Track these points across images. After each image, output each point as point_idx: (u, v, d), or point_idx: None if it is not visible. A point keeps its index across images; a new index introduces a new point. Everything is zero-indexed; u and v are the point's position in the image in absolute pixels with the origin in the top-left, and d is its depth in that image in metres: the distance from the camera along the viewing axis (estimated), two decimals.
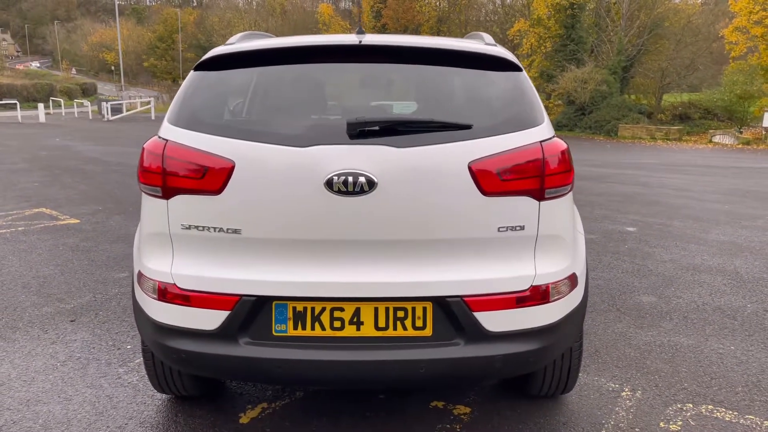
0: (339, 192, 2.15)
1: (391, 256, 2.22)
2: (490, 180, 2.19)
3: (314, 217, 2.20)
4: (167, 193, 2.30)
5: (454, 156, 2.20)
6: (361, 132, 2.17)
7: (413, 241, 2.22)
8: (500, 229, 2.24)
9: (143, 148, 2.40)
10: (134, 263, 2.62)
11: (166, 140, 2.33)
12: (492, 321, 2.23)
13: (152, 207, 2.36)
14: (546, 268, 2.31)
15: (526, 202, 2.24)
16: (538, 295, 2.28)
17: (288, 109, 2.39)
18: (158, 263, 2.37)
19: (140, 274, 2.46)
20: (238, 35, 2.81)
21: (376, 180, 2.14)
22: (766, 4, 26.25)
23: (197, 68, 2.50)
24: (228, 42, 2.69)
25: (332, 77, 2.46)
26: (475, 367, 2.26)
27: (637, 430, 2.77)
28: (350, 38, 2.41)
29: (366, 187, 2.14)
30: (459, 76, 2.44)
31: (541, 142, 2.28)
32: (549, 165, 2.24)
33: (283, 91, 2.44)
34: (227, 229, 2.24)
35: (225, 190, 2.21)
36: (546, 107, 3.71)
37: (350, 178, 2.14)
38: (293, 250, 2.24)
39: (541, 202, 2.26)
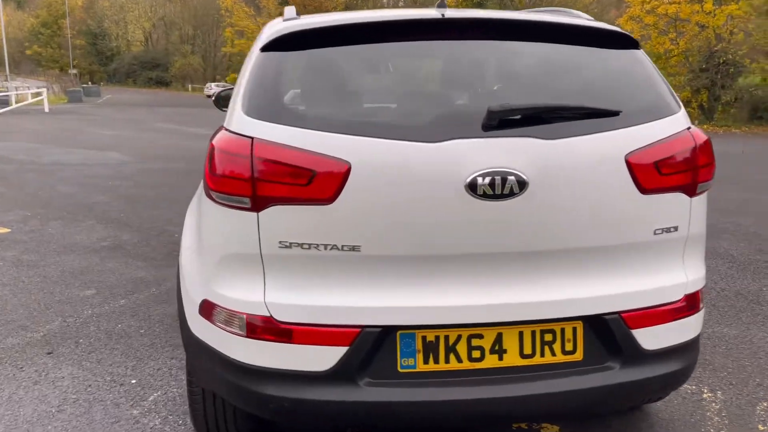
0: (484, 196, 1.77)
1: (538, 270, 1.88)
2: (649, 174, 1.89)
3: (452, 227, 1.81)
4: (259, 204, 1.83)
5: (610, 148, 1.88)
6: (501, 122, 1.80)
7: (564, 251, 1.88)
8: (656, 232, 1.94)
9: (214, 147, 1.92)
10: (187, 286, 2.13)
11: (252, 137, 1.85)
12: (649, 338, 1.94)
13: (232, 221, 1.89)
14: (693, 274, 2.04)
15: (680, 200, 1.96)
16: (689, 304, 2.02)
17: (401, 95, 1.97)
18: (243, 291, 1.89)
19: (209, 304, 1.98)
20: (291, 9, 2.33)
21: (526, 179, 1.79)
22: None
23: (268, 48, 2.03)
24: (286, 18, 2.23)
25: (440, 57, 2.06)
26: (633, 393, 1.97)
27: None
28: (451, 12, 2.03)
29: (516, 189, 1.78)
30: (579, 55, 2.10)
31: (689, 129, 2.00)
32: (700, 156, 1.97)
33: (387, 74, 2.02)
34: (343, 246, 1.81)
35: (339, 197, 1.78)
36: None
37: (498, 179, 1.77)
38: (424, 269, 1.84)
39: (693, 199, 1.98)
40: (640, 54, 2.13)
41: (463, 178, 1.77)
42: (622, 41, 2.12)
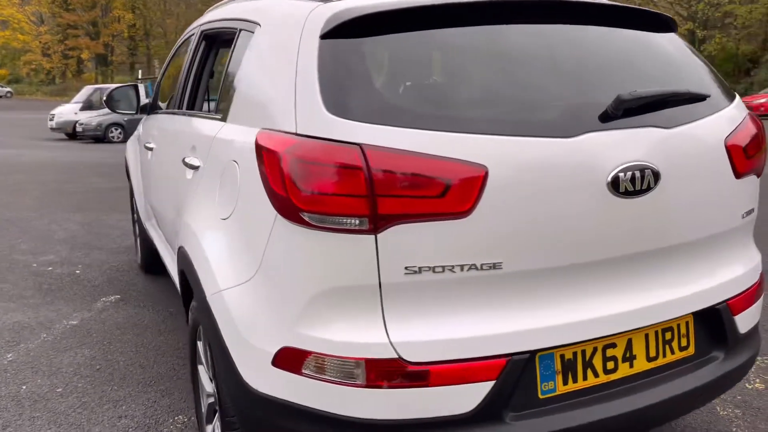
0: (625, 193, 1.62)
1: (662, 268, 1.77)
2: (741, 158, 1.88)
3: (594, 230, 1.63)
4: (378, 225, 1.48)
5: (712, 133, 1.83)
6: (626, 111, 1.66)
7: (684, 244, 1.79)
8: (743, 216, 1.95)
9: (291, 157, 1.53)
10: (242, 334, 1.71)
11: (359, 144, 1.50)
12: (744, 322, 1.95)
13: (338, 247, 1.52)
14: (758, 253, 2.10)
15: (754, 182, 1.98)
16: (762, 282, 2.06)
17: (514, 86, 1.71)
18: (356, 331, 1.54)
19: (295, 353, 1.59)
20: None
21: (660, 171, 1.67)
22: None
23: (333, 34, 1.66)
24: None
25: (543, 42, 1.82)
26: (732, 381, 1.95)
27: None
28: None
29: (652, 183, 1.65)
30: (656, 41, 2.01)
31: (749, 114, 2.03)
32: (764, 138, 2.01)
33: (491, 61, 1.75)
34: (482, 265, 1.53)
35: (476, 208, 1.51)
36: None
37: (637, 173, 1.62)
38: (560, 281, 1.63)
39: (759, 180, 2.02)
40: (680, 38, 2.12)
41: (604, 175, 1.60)
42: (671, 24, 2.08)
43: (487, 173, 1.50)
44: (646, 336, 1.75)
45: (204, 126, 2.32)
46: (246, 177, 1.78)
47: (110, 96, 3.77)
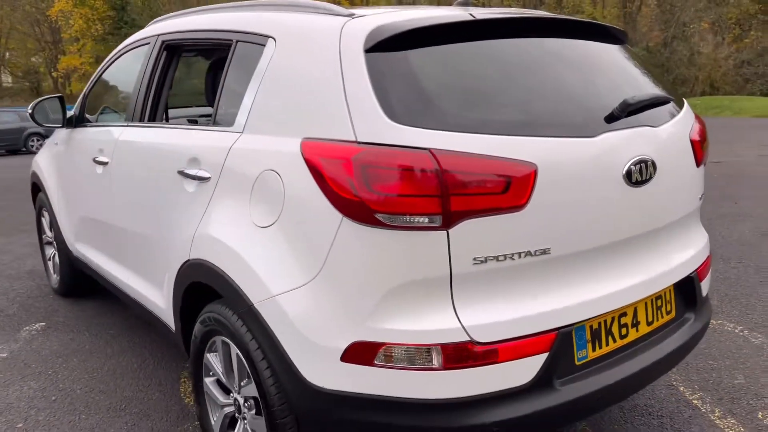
0: (635, 182, 1.91)
1: (657, 245, 2.09)
2: (699, 150, 2.25)
3: (616, 215, 1.91)
4: (450, 221, 1.64)
5: (682, 130, 2.19)
6: (629, 113, 1.95)
7: (671, 224, 2.13)
8: (699, 198, 2.33)
9: (362, 164, 1.65)
10: (304, 334, 1.78)
11: (428, 149, 1.64)
12: (704, 287, 2.34)
13: (411, 243, 1.65)
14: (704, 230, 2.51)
15: (702, 171, 2.38)
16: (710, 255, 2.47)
17: (540, 93, 1.93)
18: (430, 320, 1.68)
19: (367, 346, 1.70)
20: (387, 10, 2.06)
21: (657, 163, 1.98)
22: None
23: (381, 47, 1.80)
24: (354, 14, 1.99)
25: (553, 55, 2.04)
26: (699, 338, 2.32)
27: None
28: (478, 11, 2.10)
29: (653, 173, 1.96)
30: (622, 52, 2.34)
31: (695, 113, 2.43)
32: (707, 135, 2.42)
33: (512, 71, 1.95)
34: (535, 251, 1.74)
35: (530, 202, 1.72)
36: None
37: (642, 165, 1.92)
38: (593, 262, 1.89)
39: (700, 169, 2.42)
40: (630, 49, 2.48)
41: (620, 168, 1.88)
42: (625, 38, 2.43)
43: (537, 170, 1.71)
44: (646, 305, 2.06)
45: (208, 137, 2.31)
46: (293, 185, 1.85)
47: (36, 108, 3.53)
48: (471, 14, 1.99)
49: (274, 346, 1.87)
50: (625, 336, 2.00)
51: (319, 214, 1.76)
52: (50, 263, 4.48)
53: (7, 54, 55.39)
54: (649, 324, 2.08)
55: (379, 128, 1.70)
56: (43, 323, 3.97)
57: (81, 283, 4.24)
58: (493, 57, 1.97)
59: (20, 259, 5.53)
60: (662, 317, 2.14)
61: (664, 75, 35.83)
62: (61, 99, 3.62)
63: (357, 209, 1.67)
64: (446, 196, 1.63)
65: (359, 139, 1.72)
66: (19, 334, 3.80)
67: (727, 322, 3.66)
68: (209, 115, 3.76)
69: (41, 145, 20.23)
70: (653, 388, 2.94)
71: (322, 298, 1.77)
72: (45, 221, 4.40)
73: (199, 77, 3.87)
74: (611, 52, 2.27)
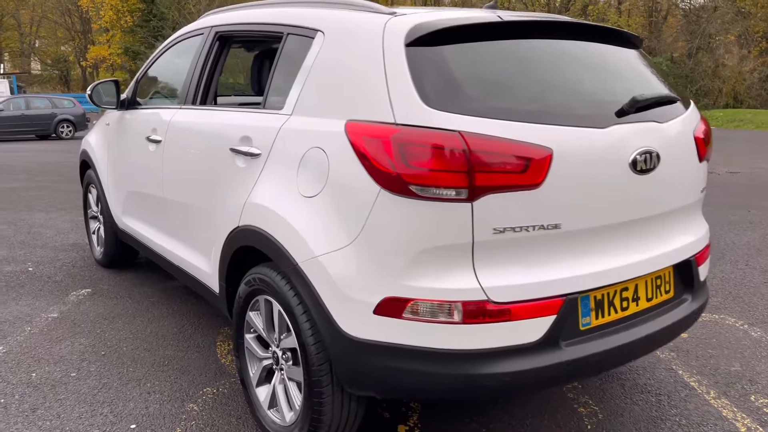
0: (640, 171, 2.16)
1: (658, 229, 2.33)
2: (702, 147, 2.49)
3: (619, 199, 2.15)
4: (474, 194, 1.90)
5: (686, 127, 2.42)
6: (638, 109, 2.20)
7: (672, 211, 2.37)
8: (701, 191, 2.56)
9: (402, 142, 1.91)
10: (342, 290, 2.04)
11: (458, 131, 1.91)
12: (702, 272, 2.57)
13: (440, 213, 1.91)
14: (705, 221, 2.74)
15: (705, 166, 2.61)
16: (710, 244, 2.70)
17: (559, 88, 2.19)
18: (454, 280, 1.94)
19: (397, 301, 1.96)
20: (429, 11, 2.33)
21: (660, 155, 2.22)
22: None
23: (419, 42, 2.06)
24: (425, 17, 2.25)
25: (570, 54, 2.31)
26: (696, 318, 2.55)
27: None
28: (506, 14, 2.34)
29: (656, 163, 2.20)
30: (636, 55, 2.59)
31: (701, 114, 2.66)
32: (711, 133, 2.65)
33: (533, 68, 2.21)
34: (547, 225, 2.00)
35: (545, 182, 1.97)
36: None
37: (647, 156, 2.16)
38: (596, 238, 2.14)
39: (702, 164, 2.65)
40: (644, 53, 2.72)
41: (627, 157, 2.12)
42: (639, 42, 2.68)
43: (553, 154, 1.96)
44: (646, 282, 2.30)
45: (259, 119, 2.59)
46: (336, 160, 2.12)
47: (94, 90, 3.85)
48: (499, 16, 2.25)
49: (315, 301, 2.14)
50: (626, 309, 2.25)
51: (359, 186, 2.03)
52: (94, 237, 4.80)
53: (38, 42, 56.50)
54: (648, 300, 2.32)
55: (416, 112, 1.96)
56: (89, 289, 4.28)
57: (123, 255, 4.56)
58: (516, 54, 2.23)
59: (63, 233, 5.87)
60: (661, 295, 2.37)
61: (687, 86, 35.85)
62: (116, 83, 3.93)
63: (393, 182, 1.94)
64: (472, 173, 1.89)
65: (398, 121, 1.98)
66: (68, 298, 4.12)
67: (729, 317, 3.88)
68: (255, 102, 4.09)
69: (71, 131, 20.98)
70: (653, 369, 3.18)
71: (360, 258, 2.03)
72: (91, 197, 4.72)
73: (239, 68, 4.17)
74: (626, 55, 2.52)
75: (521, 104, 2.06)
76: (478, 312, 1.93)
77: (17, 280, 4.48)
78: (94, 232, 4.81)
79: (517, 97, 2.10)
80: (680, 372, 3.17)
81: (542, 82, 2.18)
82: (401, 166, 1.92)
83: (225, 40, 3.19)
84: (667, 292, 2.40)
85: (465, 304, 1.93)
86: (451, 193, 1.89)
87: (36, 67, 57.29)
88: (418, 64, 2.03)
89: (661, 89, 2.47)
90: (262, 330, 2.54)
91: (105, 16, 43.82)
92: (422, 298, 1.95)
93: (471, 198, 1.90)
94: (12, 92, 29.97)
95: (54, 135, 20.88)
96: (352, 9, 2.41)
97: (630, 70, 2.49)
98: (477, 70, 2.12)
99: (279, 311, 2.38)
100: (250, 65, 3.30)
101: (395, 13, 2.25)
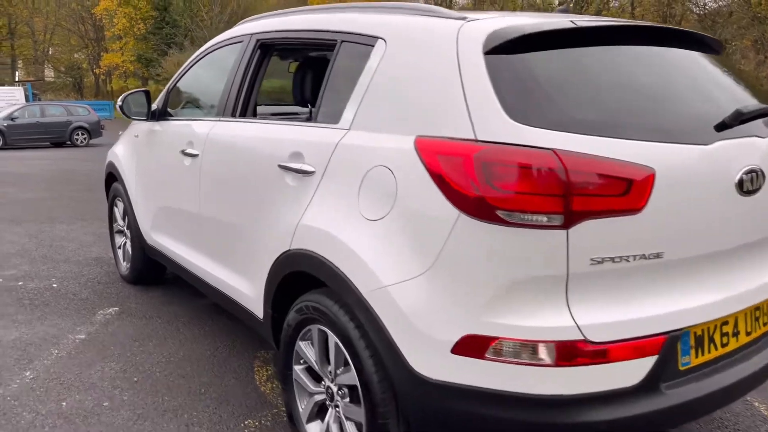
0: (746, 192, 1.94)
1: (755, 257, 2.11)
2: None
3: (724, 224, 1.93)
4: (570, 221, 1.69)
5: None
6: (740, 122, 1.98)
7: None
8: None
9: (484, 161, 1.71)
10: (417, 326, 1.84)
11: (552, 149, 1.69)
12: None
13: (531, 241, 1.70)
14: None
15: None
16: None
17: (654, 100, 1.97)
18: (544, 317, 1.73)
19: (479, 339, 1.75)
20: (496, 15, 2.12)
21: (766, 173, 2.00)
22: None
23: (500, 50, 1.86)
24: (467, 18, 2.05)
25: (660, 63, 2.09)
26: None
27: None
28: (632, 21, 2.15)
29: (762, 183, 1.98)
30: (718, 62, 2.36)
31: None
32: None
33: (624, 77, 2.00)
34: (649, 255, 1.78)
35: (647, 205, 1.75)
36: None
37: (753, 175, 1.95)
38: (698, 268, 1.92)
39: None
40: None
41: (733, 177, 1.90)
42: (720, 48, 2.45)
43: (655, 174, 1.75)
44: (746, 315, 2.08)
45: (311, 133, 2.39)
46: (405, 180, 1.91)
47: (125, 101, 3.67)
48: (572, 21, 2.04)
49: (381, 335, 1.93)
50: (726, 345, 2.02)
51: (434, 209, 1.82)
52: (120, 252, 4.62)
53: (51, 50, 56.91)
54: (747, 334, 2.09)
55: (501, 127, 1.75)
56: (116, 308, 4.10)
57: (150, 272, 4.37)
58: (604, 63, 2.02)
59: (85, 246, 5.70)
60: (760, 328, 2.15)
61: None
62: (146, 93, 3.76)
63: (476, 205, 1.73)
64: (568, 196, 1.68)
65: (479, 138, 1.77)
66: (95, 318, 3.94)
67: None
68: (298, 113, 3.89)
69: (85, 139, 20.95)
70: None
71: (435, 290, 1.82)
72: (117, 211, 4.54)
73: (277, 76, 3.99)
74: (711, 61, 2.30)
75: (615, 118, 1.85)
76: (572, 353, 1.72)
77: (41, 297, 4.30)
78: (119, 247, 4.63)
79: (611, 111, 1.89)
80: (756, 404, 2.93)
81: (636, 92, 1.97)
82: (486, 189, 1.71)
83: (267, 48, 2.99)
84: (765, 324, 2.17)
85: (558, 344, 1.72)
86: (544, 219, 1.68)
87: (49, 74, 57.66)
88: (500, 74, 1.83)
89: (755, 100, 2.25)
90: (314, 362, 2.34)
91: (118, 24, 44.10)
92: (508, 336, 1.74)
93: (567, 225, 1.69)
94: (27, 100, 30.05)
95: (69, 142, 20.84)
96: (415, 14, 2.22)
97: (721, 79, 2.27)
98: (564, 80, 1.91)
99: (336, 343, 2.17)
100: (293, 74, 3.10)
101: (466, 18, 2.05)
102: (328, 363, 2.26)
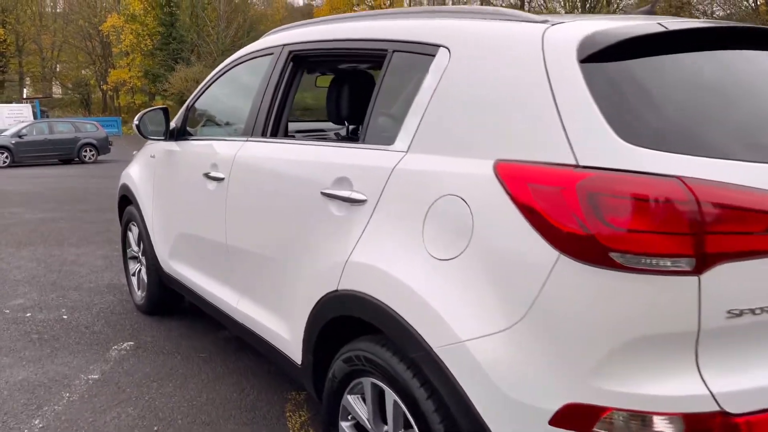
0: None
1: None
2: None
3: None
4: (704, 265, 1.37)
5: None
6: None
7: None
8: None
9: (604, 192, 1.39)
10: (504, 390, 1.52)
11: (678, 177, 1.38)
12: None
13: (653, 291, 1.38)
14: None
15: None
16: None
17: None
18: (669, 384, 1.40)
19: (586, 409, 1.43)
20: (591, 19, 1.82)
21: None
22: None
23: (597, 58, 1.55)
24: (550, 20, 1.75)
25: (760, 69, 1.79)
26: None
27: None
28: (726, 23, 1.83)
29: None
30: None
31: None
32: None
33: (742, 89, 1.69)
34: None
35: None
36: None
37: None
38: None
39: None
40: None
41: None
42: None
43: None
44: None
45: (360, 156, 2.09)
46: (484, 213, 1.60)
47: (141, 119, 3.38)
48: (660, 23, 1.73)
49: (457, 398, 1.62)
50: None
51: (524, 249, 1.51)
52: (134, 279, 4.32)
53: (59, 66, 57.13)
54: None
55: (609, 150, 1.44)
56: (132, 342, 3.79)
57: (167, 302, 4.06)
58: (716, 72, 1.70)
59: (97, 272, 5.40)
60: None
61: None
62: (165, 111, 3.46)
63: (582, 245, 1.41)
64: (701, 235, 1.36)
65: (581, 163, 1.46)
66: (109, 354, 3.62)
67: None
68: (337, 132, 3.55)
69: (93, 155, 20.78)
70: None
71: (528, 347, 1.51)
72: (132, 236, 4.24)
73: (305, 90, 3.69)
74: None
75: (748, 138, 1.54)
76: (705, 428, 1.39)
77: (51, 331, 3.99)
78: (134, 274, 4.32)
79: (740, 129, 1.58)
80: None
81: (757, 107, 1.65)
82: (595, 225, 1.40)
83: (301, 61, 2.69)
84: None
85: (687, 416, 1.39)
86: (675, 262, 1.36)
87: (57, 91, 57.83)
88: (601, 86, 1.52)
89: None
90: (366, 420, 2.02)
91: (125, 40, 44.24)
92: (623, 407, 1.41)
93: (699, 270, 1.37)
94: (35, 116, 29.96)
95: (77, 159, 20.66)
96: (483, 18, 1.92)
97: None
98: (676, 92, 1.60)
99: (394, 401, 1.85)
100: (326, 88, 2.79)
101: (548, 21, 1.74)
102: (384, 423, 1.94)
